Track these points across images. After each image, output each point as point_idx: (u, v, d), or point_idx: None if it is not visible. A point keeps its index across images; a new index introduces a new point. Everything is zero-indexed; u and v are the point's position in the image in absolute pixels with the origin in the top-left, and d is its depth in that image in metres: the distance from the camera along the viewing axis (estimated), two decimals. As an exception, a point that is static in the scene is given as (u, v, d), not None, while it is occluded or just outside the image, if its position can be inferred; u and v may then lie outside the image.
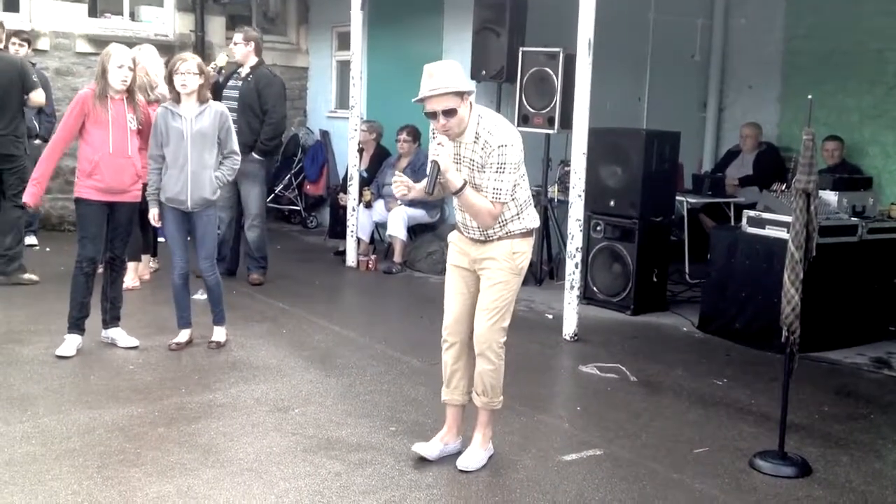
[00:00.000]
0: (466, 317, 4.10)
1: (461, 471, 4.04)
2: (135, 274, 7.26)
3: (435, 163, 3.78)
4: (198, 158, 5.52)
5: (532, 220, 4.05)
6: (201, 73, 5.51)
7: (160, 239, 7.98)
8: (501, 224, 3.97)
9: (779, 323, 4.23)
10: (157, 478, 3.83)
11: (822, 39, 8.94)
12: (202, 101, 5.55)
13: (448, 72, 3.82)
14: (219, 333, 5.84)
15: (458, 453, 4.16)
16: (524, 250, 4.02)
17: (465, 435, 4.23)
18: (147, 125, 5.56)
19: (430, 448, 4.16)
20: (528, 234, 4.03)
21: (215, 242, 5.79)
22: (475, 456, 4.12)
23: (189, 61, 5.52)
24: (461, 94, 3.79)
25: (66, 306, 5.55)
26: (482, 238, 4.01)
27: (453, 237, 4.18)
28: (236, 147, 5.71)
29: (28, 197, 5.48)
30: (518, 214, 3.99)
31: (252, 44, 7.80)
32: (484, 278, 4.02)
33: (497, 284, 3.98)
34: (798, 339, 4.21)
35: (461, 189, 3.81)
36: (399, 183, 3.98)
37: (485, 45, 8.38)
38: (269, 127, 7.61)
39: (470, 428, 4.20)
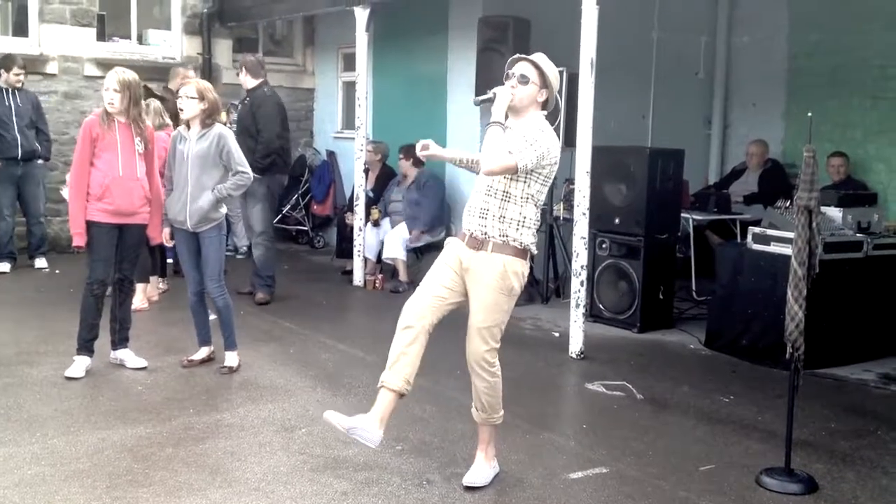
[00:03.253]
0: (430, 312, 4.03)
1: (468, 487, 4.05)
2: (143, 295, 7.32)
3: (495, 93, 4.03)
4: (196, 181, 5.59)
5: (531, 241, 4.02)
6: (202, 98, 5.56)
7: (168, 260, 8.05)
8: (500, 219, 3.95)
9: (784, 339, 4.25)
10: (165, 498, 3.85)
11: (826, 56, 8.98)
12: (205, 125, 5.61)
13: (544, 59, 4.10)
14: (231, 358, 5.80)
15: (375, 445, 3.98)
16: (517, 271, 3.99)
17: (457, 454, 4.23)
18: (151, 148, 5.62)
19: (343, 418, 3.97)
20: (522, 252, 4.00)
21: (221, 264, 5.80)
22: (481, 472, 4.13)
23: (189, 86, 5.59)
24: (541, 76, 4.03)
25: (75, 328, 5.59)
26: (480, 237, 3.98)
27: (450, 240, 4.19)
28: (242, 167, 5.72)
29: (77, 240, 5.49)
30: (520, 223, 3.97)
31: (244, 69, 7.94)
32: (474, 297, 4.01)
33: (487, 306, 3.98)
34: (802, 355, 4.21)
35: (496, 122, 3.95)
36: (423, 144, 4.30)
37: (489, 65, 8.41)
38: (260, 145, 7.77)
39: (473, 446, 4.22)
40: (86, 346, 5.58)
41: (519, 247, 3.98)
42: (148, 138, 5.60)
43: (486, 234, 3.98)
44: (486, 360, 4.05)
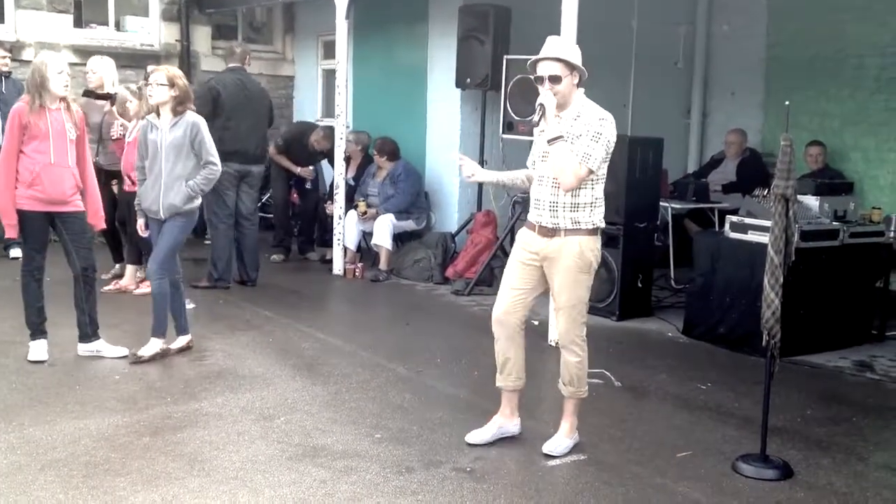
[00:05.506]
0: (518, 307, 4.34)
1: (546, 455, 4.29)
2: (132, 278, 7.39)
3: (542, 104, 4.09)
4: (170, 170, 5.54)
5: (600, 219, 4.24)
6: (172, 84, 5.50)
7: None
8: (573, 208, 4.14)
9: (760, 327, 4.28)
10: (142, 487, 3.84)
11: (804, 46, 9.03)
12: (176, 113, 5.55)
13: (562, 45, 4.21)
14: (148, 346, 5.67)
15: (515, 436, 4.48)
16: (593, 248, 4.21)
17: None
18: (82, 135, 5.54)
19: (482, 434, 4.42)
20: (594, 231, 4.22)
21: (172, 250, 5.65)
22: (561, 443, 4.36)
23: (158, 72, 5.54)
24: (570, 67, 4.12)
25: (52, 317, 5.56)
26: (551, 227, 4.17)
27: (521, 235, 4.36)
28: (212, 157, 5.65)
29: (10, 232, 5.40)
30: (592, 204, 4.18)
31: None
32: (555, 278, 4.22)
33: (570, 286, 4.21)
34: (779, 342, 4.25)
35: (557, 138, 4.03)
36: (464, 162, 4.41)
37: (469, 53, 8.43)
38: None
39: (452, 434, 4.23)
40: (39, 330, 5.54)
41: (591, 227, 4.19)
42: (79, 124, 5.52)
43: (557, 224, 4.17)
44: (579, 336, 4.32)
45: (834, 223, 6.39)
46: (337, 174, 8.74)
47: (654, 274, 7.60)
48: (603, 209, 4.26)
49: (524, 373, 4.49)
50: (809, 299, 5.99)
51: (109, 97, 7.37)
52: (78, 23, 10.40)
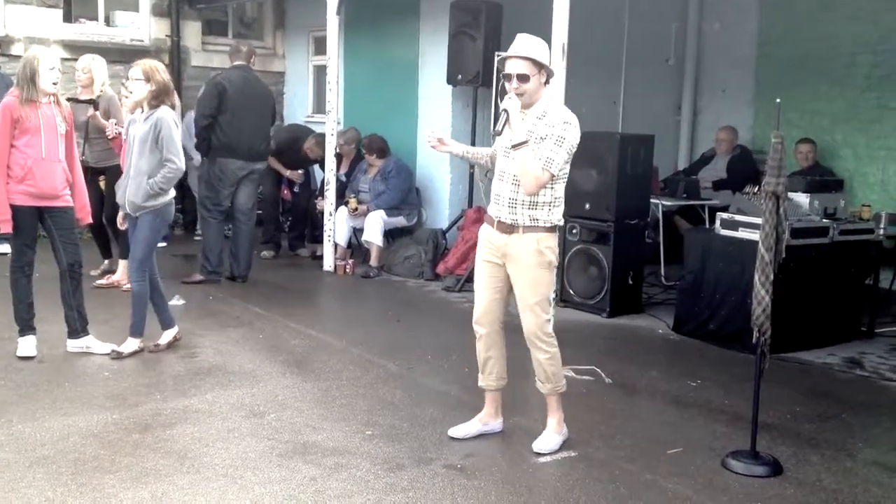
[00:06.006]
0: (494, 308, 4.34)
1: (536, 453, 4.27)
2: (124, 274, 7.35)
3: (505, 110, 4.09)
4: (135, 164, 5.52)
5: (558, 217, 4.23)
6: (148, 79, 5.46)
7: (161, 244, 8.07)
8: (532, 206, 4.14)
9: (751, 324, 4.28)
10: (131, 484, 3.82)
11: (795, 43, 9.05)
12: (151, 106, 5.51)
13: (532, 43, 4.13)
14: (127, 344, 5.65)
15: (504, 433, 4.52)
16: (550, 244, 4.21)
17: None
18: (71, 130, 5.52)
19: (466, 428, 4.44)
20: (552, 229, 4.22)
21: (147, 249, 5.61)
22: (550, 440, 4.36)
23: (134, 68, 5.52)
24: (538, 67, 4.09)
25: (42, 313, 5.55)
26: (509, 223, 4.18)
27: (483, 230, 4.37)
28: (172, 155, 5.52)
29: (5, 227, 5.34)
30: (551, 203, 4.18)
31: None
32: (515, 276, 4.23)
33: (530, 283, 4.20)
34: (769, 339, 4.26)
35: (522, 143, 4.04)
36: (433, 136, 4.39)
37: (461, 49, 8.42)
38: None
39: (443, 431, 4.22)
40: (28, 326, 5.53)
41: (549, 225, 4.19)
42: (68, 119, 5.49)
43: (516, 220, 4.17)
44: (544, 332, 4.27)
45: (824, 220, 6.40)
46: (327, 170, 8.72)
47: (645, 271, 7.61)
48: (562, 208, 4.25)
49: (506, 372, 4.50)
50: (799, 296, 6.00)
51: (93, 102, 7.31)
52: (67, 18, 10.35)
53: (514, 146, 4.08)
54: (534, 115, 4.15)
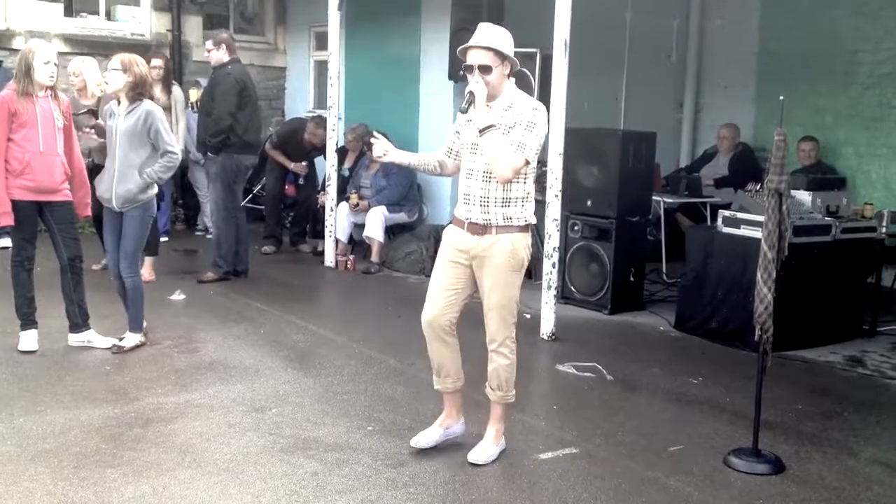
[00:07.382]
0: (448, 310, 4.13)
1: (471, 464, 4.10)
2: (150, 268, 7.40)
3: (471, 92, 3.92)
4: (123, 157, 5.48)
5: (531, 214, 4.10)
6: (125, 70, 5.42)
7: (163, 239, 8.07)
8: (505, 203, 3.98)
9: (753, 322, 4.28)
10: (133, 478, 3.82)
11: (797, 41, 9.03)
12: (132, 99, 5.48)
13: (494, 34, 3.98)
14: (130, 338, 5.67)
15: (463, 435, 4.34)
16: (525, 245, 4.07)
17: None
18: (69, 124, 5.51)
19: (428, 436, 4.26)
20: (525, 228, 4.08)
21: (138, 245, 5.62)
22: (486, 450, 4.18)
23: (113, 59, 5.49)
24: (500, 57, 3.94)
25: (44, 307, 5.54)
26: (482, 223, 4.01)
27: (448, 232, 4.19)
28: (170, 147, 5.52)
29: (6, 220, 5.33)
30: (524, 199, 4.04)
31: (224, 45, 7.83)
32: (485, 279, 4.05)
33: (501, 286, 4.04)
34: (771, 337, 4.25)
35: (489, 126, 3.87)
36: (378, 144, 4.23)
37: (462, 45, 8.38)
38: (211, 123, 7.67)
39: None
40: (29, 320, 5.52)
41: (523, 223, 4.05)
42: (65, 112, 5.48)
43: (488, 220, 4.01)
44: (509, 338, 4.13)
45: (826, 218, 6.39)
46: (328, 165, 8.72)
47: (646, 268, 7.60)
48: (533, 205, 4.09)
49: (462, 373, 4.29)
50: (801, 294, 5.99)
51: (92, 111, 7.28)
52: (68, 12, 10.33)
53: (480, 131, 3.88)
54: (500, 107, 3.98)
